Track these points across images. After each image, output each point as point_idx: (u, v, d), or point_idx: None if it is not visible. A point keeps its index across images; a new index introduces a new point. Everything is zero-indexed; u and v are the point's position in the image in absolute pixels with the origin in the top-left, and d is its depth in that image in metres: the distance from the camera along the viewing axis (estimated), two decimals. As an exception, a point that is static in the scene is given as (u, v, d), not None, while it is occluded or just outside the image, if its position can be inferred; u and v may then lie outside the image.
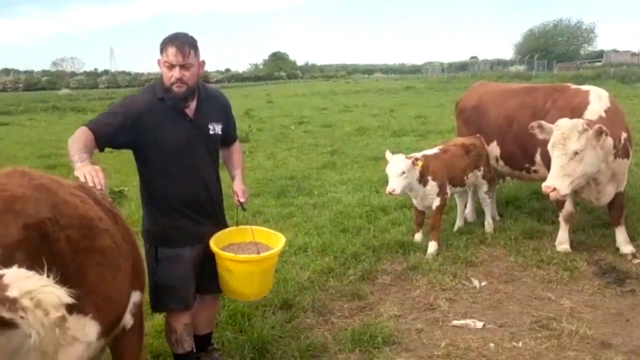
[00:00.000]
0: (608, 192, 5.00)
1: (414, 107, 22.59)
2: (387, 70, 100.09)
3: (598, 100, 5.03)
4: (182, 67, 3.03)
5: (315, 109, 24.06)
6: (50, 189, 2.24)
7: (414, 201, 5.67)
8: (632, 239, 5.26)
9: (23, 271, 1.62)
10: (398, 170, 5.13)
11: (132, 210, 6.55)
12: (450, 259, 5.18)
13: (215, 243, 3.21)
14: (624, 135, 4.91)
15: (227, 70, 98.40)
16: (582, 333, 3.76)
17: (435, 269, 4.96)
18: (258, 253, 3.21)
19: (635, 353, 3.53)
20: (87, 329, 2.14)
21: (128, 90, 42.06)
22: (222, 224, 3.43)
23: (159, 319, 3.88)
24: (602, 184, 4.91)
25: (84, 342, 1.64)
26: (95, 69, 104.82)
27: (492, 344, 3.72)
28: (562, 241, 5.29)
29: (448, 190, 5.60)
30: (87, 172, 2.61)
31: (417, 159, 5.23)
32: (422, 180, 5.39)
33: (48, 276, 1.64)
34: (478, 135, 6.10)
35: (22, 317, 1.49)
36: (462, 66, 69.76)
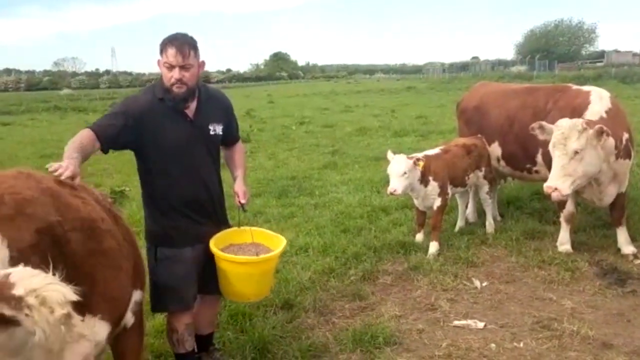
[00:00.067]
0: (610, 193, 5.00)
1: (415, 107, 22.59)
2: (388, 70, 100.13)
3: (599, 100, 5.03)
4: (182, 67, 3.03)
5: (316, 109, 24.07)
6: (54, 191, 2.25)
7: (415, 201, 5.67)
8: (633, 239, 5.26)
9: (29, 270, 1.63)
10: (400, 170, 5.13)
11: (134, 211, 6.56)
12: (452, 260, 5.18)
13: (216, 243, 3.21)
14: (626, 135, 4.91)
15: (229, 70, 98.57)
16: (583, 333, 3.75)
17: (437, 269, 4.96)
18: (257, 255, 3.21)
19: (636, 354, 3.53)
20: (96, 329, 2.17)
21: (129, 91, 42.10)
22: (223, 224, 3.43)
23: (160, 318, 3.89)
24: (604, 184, 4.90)
25: (92, 340, 1.66)
26: (97, 69, 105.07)
27: (493, 345, 3.72)
28: (564, 242, 5.28)
29: (449, 191, 5.60)
30: (58, 163, 2.54)
31: (418, 159, 5.23)
32: (424, 181, 5.39)
33: (54, 274, 1.65)
34: (479, 135, 6.10)
35: (27, 315, 1.50)
36: (464, 66, 69.80)
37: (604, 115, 4.87)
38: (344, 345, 3.78)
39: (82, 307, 1.84)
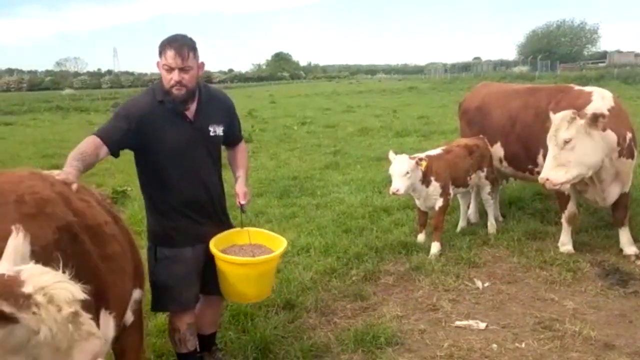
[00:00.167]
0: (613, 192, 4.99)
1: (416, 107, 22.58)
2: (390, 70, 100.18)
3: (601, 99, 5.03)
4: (181, 70, 3.03)
5: (318, 109, 24.07)
6: (64, 194, 2.30)
7: (417, 202, 5.66)
8: (635, 240, 5.25)
9: (39, 267, 1.65)
10: (402, 170, 5.13)
11: (135, 210, 6.57)
12: (453, 260, 5.17)
13: (218, 244, 3.21)
14: (629, 135, 4.90)
15: (230, 70, 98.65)
16: (585, 334, 3.75)
17: (438, 269, 4.96)
18: (253, 256, 3.20)
19: (638, 354, 3.52)
20: (109, 327, 2.25)
21: (131, 91, 42.18)
22: (224, 225, 3.42)
23: (162, 318, 3.89)
24: (606, 182, 4.89)
25: (101, 338, 1.67)
26: (99, 69, 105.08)
27: (494, 345, 3.72)
28: (565, 242, 5.28)
29: (451, 191, 5.59)
30: (57, 171, 2.56)
31: (421, 159, 5.23)
32: (425, 181, 5.39)
33: (64, 272, 1.67)
34: (481, 136, 6.09)
35: (34, 313, 1.51)
36: (465, 67, 69.73)
37: (606, 112, 4.87)
38: (345, 345, 3.78)
39: (98, 305, 1.94)
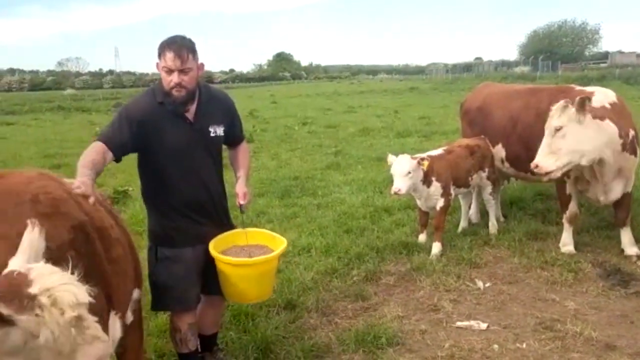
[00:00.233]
0: (615, 189, 4.97)
1: (418, 107, 22.58)
2: (391, 71, 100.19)
3: (604, 95, 5.04)
4: (181, 71, 3.02)
5: (319, 109, 24.08)
6: (74, 195, 2.33)
7: (418, 202, 5.66)
8: (637, 240, 5.23)
9: (49, 267, 1.64)
10: (403, 170, 5.13)
11: (137, 210, 6.57)
12: (454, 260, 5.17)
13: (219, 245, 3.21)
14: (632, 132, 4.89)
15: (232, 70, 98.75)
16: (586, 335, 3.75)
17: (439, 270, 4.95)
18: (250, 256, 3.18)
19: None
20: (117, 328, 2.28)
21: (133, 91, 42.21)
22: (225, 225, 3.42)
23: (163, 318, 3.90)
24: (608, 177, 4.87)
25: (107, 342, 1.64)
26: (100, 69, 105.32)
27: (496, 345, 3.71)
28: (567, 242, 5.27)
29: (452, 191, 5.59)
30: (71, 181, 2.56)
31: (422, 159, 5.23)
32: (426, 181, 5.38)
33: (72, 273, 1.65)
34: (482, 136, 6.09)
35: (37, 315, 1.49)
36: (467, 67, 69.75)
37: (607, 106, 4.86)
38: (346, 345, 3.78)
39: (109, 307, 1.99)
